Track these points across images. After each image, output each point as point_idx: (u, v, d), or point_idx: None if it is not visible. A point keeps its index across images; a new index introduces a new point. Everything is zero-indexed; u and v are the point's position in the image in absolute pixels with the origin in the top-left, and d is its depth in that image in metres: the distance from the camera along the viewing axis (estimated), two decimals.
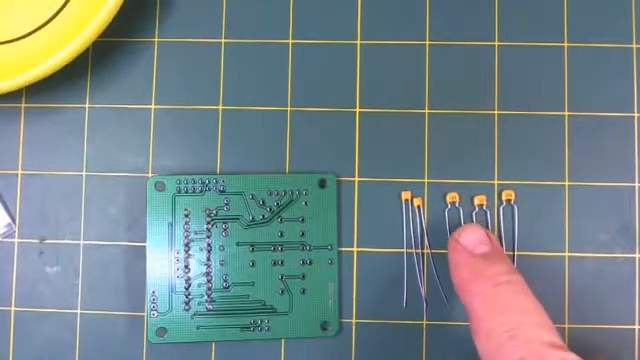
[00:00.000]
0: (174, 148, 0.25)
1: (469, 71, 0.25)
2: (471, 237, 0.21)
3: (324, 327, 0.24)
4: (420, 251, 0.24)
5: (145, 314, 0.24)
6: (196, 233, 0.24)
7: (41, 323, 0.24)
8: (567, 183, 0.24)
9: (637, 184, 0.24)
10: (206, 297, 0.23)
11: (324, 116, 0.25)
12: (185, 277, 0.23)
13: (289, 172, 0.25)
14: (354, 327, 0.24)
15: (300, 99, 0.25)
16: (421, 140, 0.25)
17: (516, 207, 0.24)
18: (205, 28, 0.25)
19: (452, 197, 0.24)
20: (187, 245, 0.24)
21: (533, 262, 0.24)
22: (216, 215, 0.24)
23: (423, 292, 0.24)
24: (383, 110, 0.25)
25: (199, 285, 0.23)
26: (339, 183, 0.24)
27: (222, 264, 0.24)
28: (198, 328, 0.23)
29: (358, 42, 0.25)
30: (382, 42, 0.25)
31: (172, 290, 0.23)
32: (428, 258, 0.24)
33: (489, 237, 0.21)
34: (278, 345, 0.24)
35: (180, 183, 0.24)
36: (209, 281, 0.24)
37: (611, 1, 0.25)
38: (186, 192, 0.24)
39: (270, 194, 0.24)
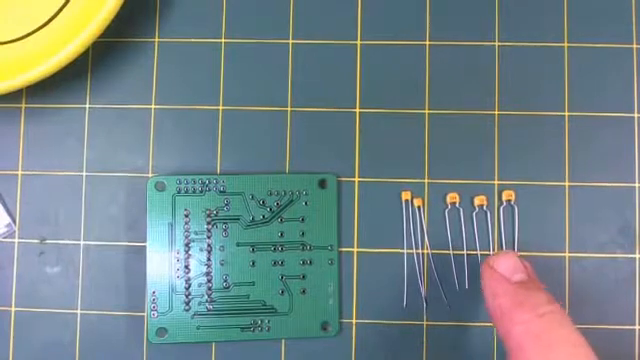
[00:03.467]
0: (174, 148, 0.25)
1: (469, 71, 0.25)
2: (506, 264, 0.20)
3: (324, 327, 0.24)
4: (420, 251, 0.24)
5: (145, 314, 0.24)
6: (196, 233, 0.24)
7: (41, 323, 0.24)
8: (567, 183, 0.24)
9: (637, 184, 0.24)
10: (206, 297, 0.23)
11: (324, 116, 0.25)
12: (185, 277, 0.23)
13: (289, 172, 0.25)
14: (354, 327, 0.24)
15: (300, 99, 0.25)
16: (421, 140, 0.25)
17: (516, 207, 0.24)
18: (205, 28, 0.25)
19: (452, 197, 0.24)
20: (187, 245, 0.24)
21: (533, 262, 0.24)
22: (216, 215, 0.24)
23: (423, 292, 0.24)
24: (383, 110, 0.25)
25: (199, 285, 0.23)
26: (339, 183, 0.24)
27: (222, 264, 0.24)
28: (198, 328, 0.23)
29: (358, 42, 0.25)
30: (382, 42, 0.25)
31: (172, 290, 0.23)
32: (428, 258, 0.24)
33: (523, 264, 0.21)
34: (278, 345, 0.24)
35: (180, 183, 0.24)
36: (209, 281, 0.24)
37: (611, 1, 0.25)
38: (186, 192, 0.24)
39: (270, 194, 0.24)
